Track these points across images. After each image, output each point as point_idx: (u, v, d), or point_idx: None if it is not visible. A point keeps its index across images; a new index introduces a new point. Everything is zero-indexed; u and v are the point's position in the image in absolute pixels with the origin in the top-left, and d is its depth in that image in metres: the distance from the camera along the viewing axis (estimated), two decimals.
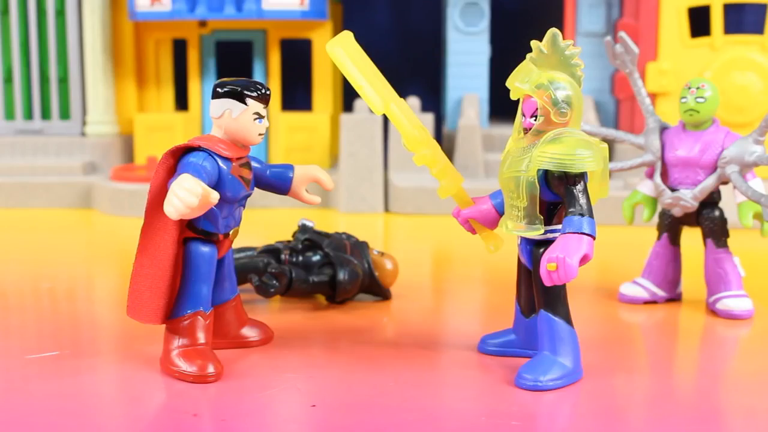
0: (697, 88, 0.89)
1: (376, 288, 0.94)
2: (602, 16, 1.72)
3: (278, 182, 0.78)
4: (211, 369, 0.69)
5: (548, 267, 0.65)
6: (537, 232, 0.69)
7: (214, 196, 0.65)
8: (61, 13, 1.77)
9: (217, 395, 0.66)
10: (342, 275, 0.90)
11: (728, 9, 1.62)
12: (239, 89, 0.70)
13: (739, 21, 1.72)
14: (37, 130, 1.79)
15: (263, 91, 0.71)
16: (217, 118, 0.70)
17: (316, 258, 0.93)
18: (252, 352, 0.77)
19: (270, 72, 1.77)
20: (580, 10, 1.73)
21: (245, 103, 0.70)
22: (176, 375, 0.69)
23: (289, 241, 0.96)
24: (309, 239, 0.94)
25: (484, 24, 1.76)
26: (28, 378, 0.70)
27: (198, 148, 0.69)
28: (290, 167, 0.79)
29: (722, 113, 1.48)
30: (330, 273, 0.91)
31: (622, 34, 0.94)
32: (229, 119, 0.70)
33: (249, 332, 0.79)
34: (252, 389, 0.68)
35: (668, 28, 1.59)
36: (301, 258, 0.93)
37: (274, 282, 0.88)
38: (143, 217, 0.71)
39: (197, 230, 0.71)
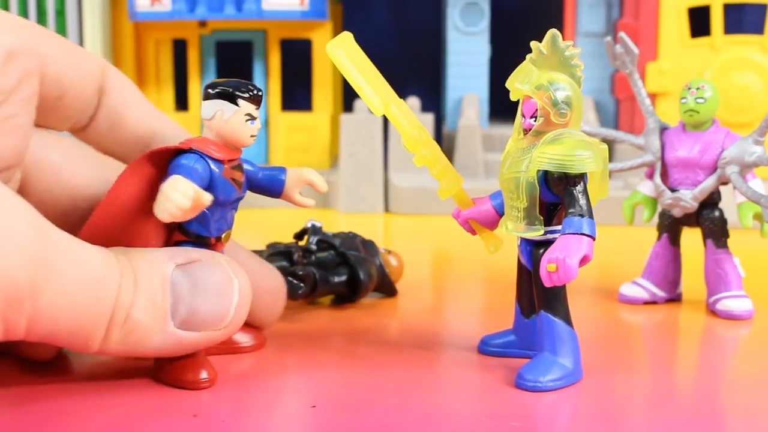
0: (697, 88, 0.89)
1: (386, 286, 0.95)
2: (602, 16, 1.72)
3: (270, 185, 0.76)
4: (204, 375, 0.69)
5: (548, 268, 0.65)
6: (537, 233, 0.69)
7: (207, 198, 0.64)
8: (61, 13, 1.77)
9: (217, 396, 0.67)
10: (363, 275, 0.91)
11: (728, 9, 1.62)
12: (230, 90, 0.69)
13: (739, 21, 1.72)
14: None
15: (255, 92, 0.70)
16: (208, 120, 0.69)
17: (329, 258, 0.93)
18: (252, 353, 0.77)
19: (270, 72, 1.77)
20: (580, 10, 1.73)
21: (237, 104, 0.69)
22: (170, 381, 0.69)
23: (292, 242, 0.96)
24: (323, 240, 0.94)
25: (484, 24, 1.76)
26: (27, 378, 0.70)
27: (189, 150, 0.68)
28: (282, 170, 0.77)
29: (722, 113, 1.48)
30: (347, 272, 0.91)
31: (622, 34, 0.94)
32: (220, 121, 0.69)
33: (241, 338, 0.78)
34: (252, 390, 0.68)
35: (668, 28, 1.59)
36: (314, 258, 0.93)
37: (301, 284, 0.88)
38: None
39: (189, 233, 0.70)
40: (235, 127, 0.69)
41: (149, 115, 0.75)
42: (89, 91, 0.71)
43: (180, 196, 0.63)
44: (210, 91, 0.69)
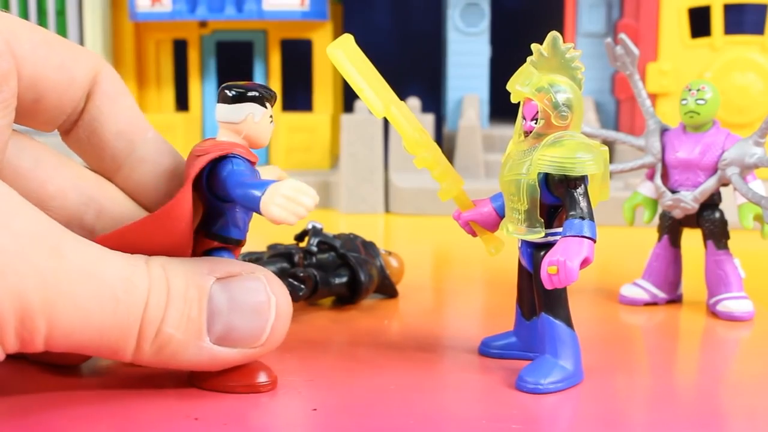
0: (698, 90, 0.89)
1: (387, 287, 0.95)
2: (602, 17, 1.72)
3: None
4: (263, 378, 0.68)
5: (549, 270, 0.65)
6: (538, 236, 0.69)
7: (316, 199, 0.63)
8: (61, 13, 1.77)
9: (218, 399, 0.66)
10: (363, 277, 0.91)
11: (728, 9, 1.62)
12: (260, 93, 0.68)
13: (739, 21, 1.72)
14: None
15: (273, 93, 0.70)
16: (236, 123, 0.68)
17: (330, 260, 0.93)
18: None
19: (270, 72, 1.77)
20: (580, 11, 1.73)
21: (265, 107, 0.69)
22: (221, 387, 0.67)
23: (293, 244, 0.96)
24: (324, 241, 0.94)
25: (484, 24, 1.76)
26: (27, 383, 0.70)
27: (232, 155, 0.67)
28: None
29: (722, 114, 1.48)
30: (348, 274, 0.91)
31: (622, 35, 0.94)
32: (251, 123, 0.68)
33: None
34: (253, 393, 0.68)
35: (668, 28, 1.59)
36: (314, 260, 0.93)
37: (302, 286, 0.88)
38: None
39: (222, 238, 0.69)
40: (263, 129, 0.69)
41: (132, 129, 0.72)
42: (74, 95, 0.68)
43: (311, 200, 0.61)
44: (237, 93, 0.68)
